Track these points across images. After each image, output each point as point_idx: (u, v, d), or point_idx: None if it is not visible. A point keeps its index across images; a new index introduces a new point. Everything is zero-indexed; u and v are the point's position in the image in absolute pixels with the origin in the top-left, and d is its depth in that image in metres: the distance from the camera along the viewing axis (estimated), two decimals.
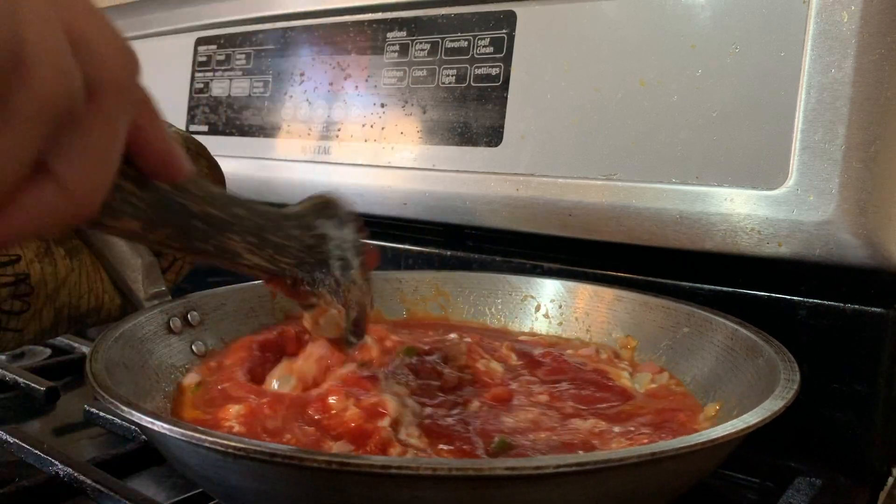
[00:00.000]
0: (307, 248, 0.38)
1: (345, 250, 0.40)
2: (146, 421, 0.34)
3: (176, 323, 0.53)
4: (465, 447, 0.39)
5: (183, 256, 0.59)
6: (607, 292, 0.60)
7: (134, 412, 0.34)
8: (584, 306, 0.62)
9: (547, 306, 0.63)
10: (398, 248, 0.76)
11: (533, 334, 0.63)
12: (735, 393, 0.46)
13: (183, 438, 0.32)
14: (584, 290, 0.62)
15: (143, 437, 0.50)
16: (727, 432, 0.33)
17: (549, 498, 0.31)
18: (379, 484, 0.30)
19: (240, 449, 0.30)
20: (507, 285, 0.65)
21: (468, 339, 0.54)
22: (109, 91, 0.21)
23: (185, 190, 0.30)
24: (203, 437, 0.31)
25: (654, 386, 0.51)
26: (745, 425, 0.34)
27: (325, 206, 0.40)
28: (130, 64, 0.23)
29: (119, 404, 0.35)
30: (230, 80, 0.88)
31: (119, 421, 0.55)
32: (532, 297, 0.64)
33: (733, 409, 0.44)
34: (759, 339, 0.47)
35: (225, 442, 0.30)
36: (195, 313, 0.55)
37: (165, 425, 0.33)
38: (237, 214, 0.34)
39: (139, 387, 0.45)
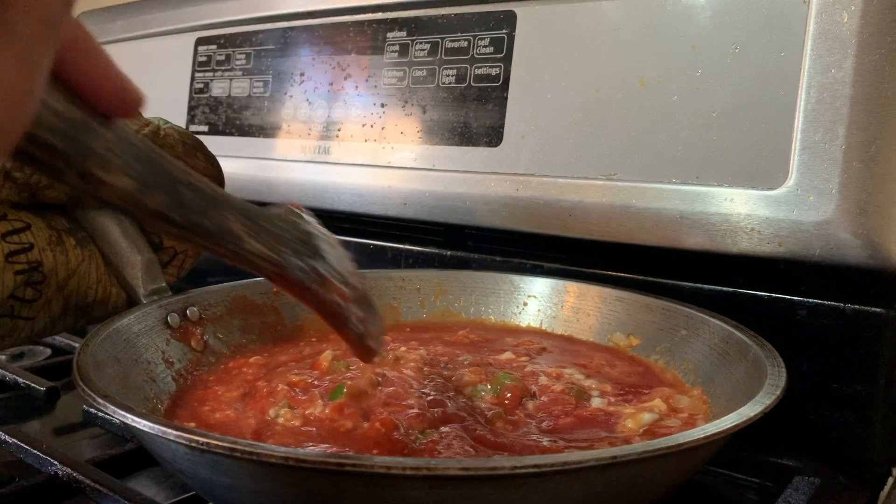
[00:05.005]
0: (299, 241, 0.36)
1: (333, 247, 0.38)
2: (129, 419, 0.34)
3: (174, 318, 0.53)
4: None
5: (185, 249, 0.59)
6: (608, 293, 0.60)
7: (118, 411, 0.34)
8: (583, 306, 0.61)
9: (547, 306, 0.63)
10: (398, 248, 0.76)
11: (539, 332, 0.63)
12: (724, 396, 0.46)
13: (154, 433, 0.32)
14: (584, 290, 0.62)
15: None
16: (696, 437, 0.32)
17: (508, 499, 0.31)
18: (337, 481, 0.30)
19: (202, 443, 0.30)
20: (508, 285, 0.65)
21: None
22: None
23: (159, 150, 0.29)
24: (170, 430, 0.31)
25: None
26: (716, 430, 0.33)
27: (295, 211, 0.38)
28: None
29: (108, 403, 0.35)
30: (230, 80, 0.88)
31: (118, 421, 0.54)
32: (533, 296, 0.64)
33: (722, 411, 0.43)
34: (752, 342, 0.47)
35: (189, 435, 0.31)
36: (194, 308, 0.55)
37: (147, 423, 0.33)
38: (222, 193, 0.31)
39: (131, 382, 0.45)
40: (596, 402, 0.47)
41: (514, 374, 0.49)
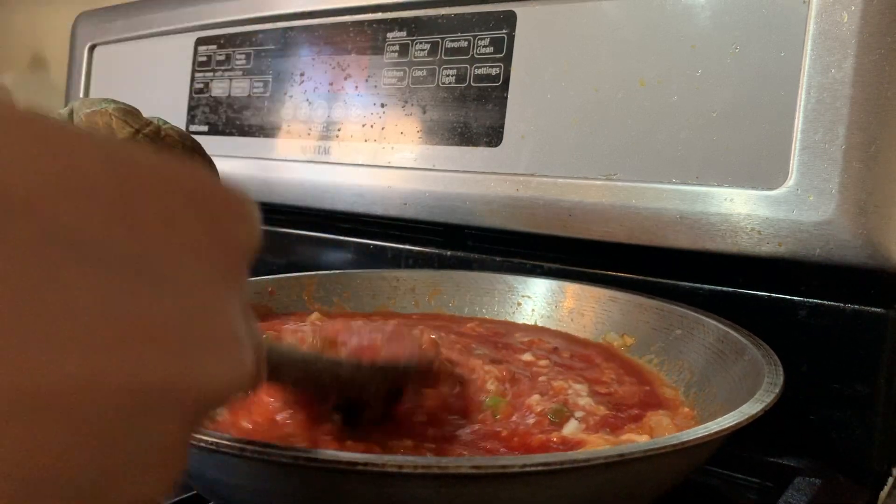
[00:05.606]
0: None
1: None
2: None
3: None
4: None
5: None
6: (602, 293, 0.60)
7: None
8: (577, 306, 0.61)
9: (541, 306, 0.63)
10: (398, 248, 0.76)
11: (542, 329, 0.62)
12: (721, 396, 0.46)
13: None
14: (578, 290, 0.62)
15: None
16: (699, 435, 0.33)
17: (516, 497, 0.31)
18: (346, 480, 0.30)
19: (211, 443, 0.30)
20: (502, 285, 0.65)
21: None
22: None
23: None
24: None
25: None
26: (718, 428, 0.34)
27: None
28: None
29: None
30: (230, 80, 0.88)
31: None
32: (527, 296, 0.64)
33: (717, 411, 0.43)
34: (748, 342, 0.47)
35: (198, 436, 0.31)
36: None
37: None
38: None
39: None
40: (571, 428, 0.42)
41: (504, 398, 0.45)
